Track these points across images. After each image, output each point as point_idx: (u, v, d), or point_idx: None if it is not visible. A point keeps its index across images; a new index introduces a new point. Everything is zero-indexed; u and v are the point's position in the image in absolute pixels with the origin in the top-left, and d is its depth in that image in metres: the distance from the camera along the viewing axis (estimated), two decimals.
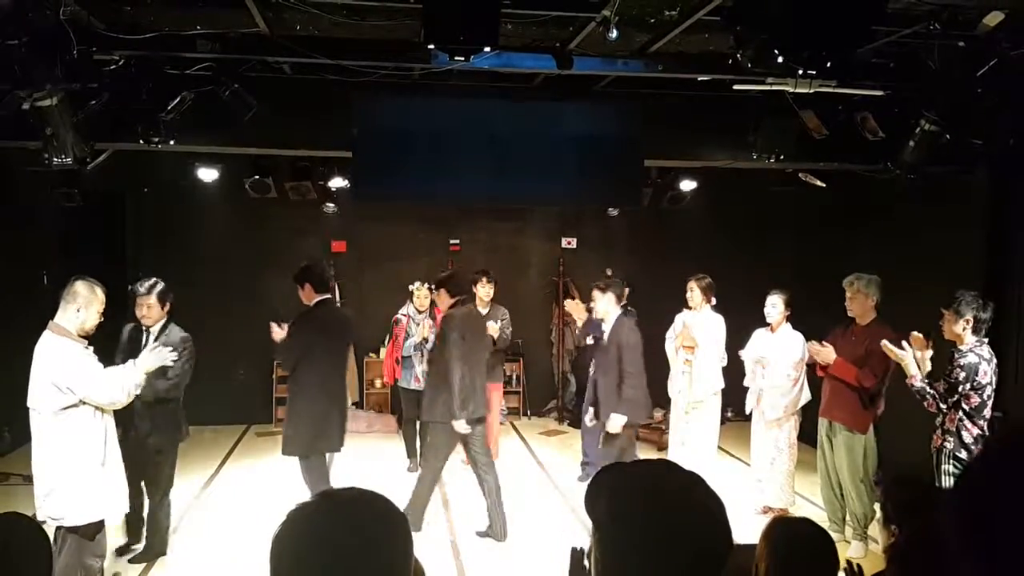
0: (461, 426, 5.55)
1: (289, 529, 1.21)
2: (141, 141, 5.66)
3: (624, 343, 5.99)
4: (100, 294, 4.13)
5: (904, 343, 4.83)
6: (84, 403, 4.00)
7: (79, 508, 4.01)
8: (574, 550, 1.64)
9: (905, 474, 3.62)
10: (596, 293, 6.27)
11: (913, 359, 4.78)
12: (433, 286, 6.28)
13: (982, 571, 0.87)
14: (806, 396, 6.16)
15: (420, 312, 7.58)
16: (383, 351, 8.46)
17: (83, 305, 4.04)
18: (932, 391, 4.72)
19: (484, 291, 7.50)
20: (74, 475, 4.00)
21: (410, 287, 7.67)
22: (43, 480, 4.00)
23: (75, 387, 3.94)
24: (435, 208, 9.14)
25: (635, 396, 5.89)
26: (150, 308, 5.12)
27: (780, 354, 6.15)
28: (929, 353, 4.82)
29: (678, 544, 1.23)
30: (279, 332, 5.64)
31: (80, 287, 4.06)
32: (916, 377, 4.75)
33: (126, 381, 4.17)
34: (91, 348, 4.15)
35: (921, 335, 4.84)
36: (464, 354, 5.58)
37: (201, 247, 8.91)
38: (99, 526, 4.13)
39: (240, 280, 8.78)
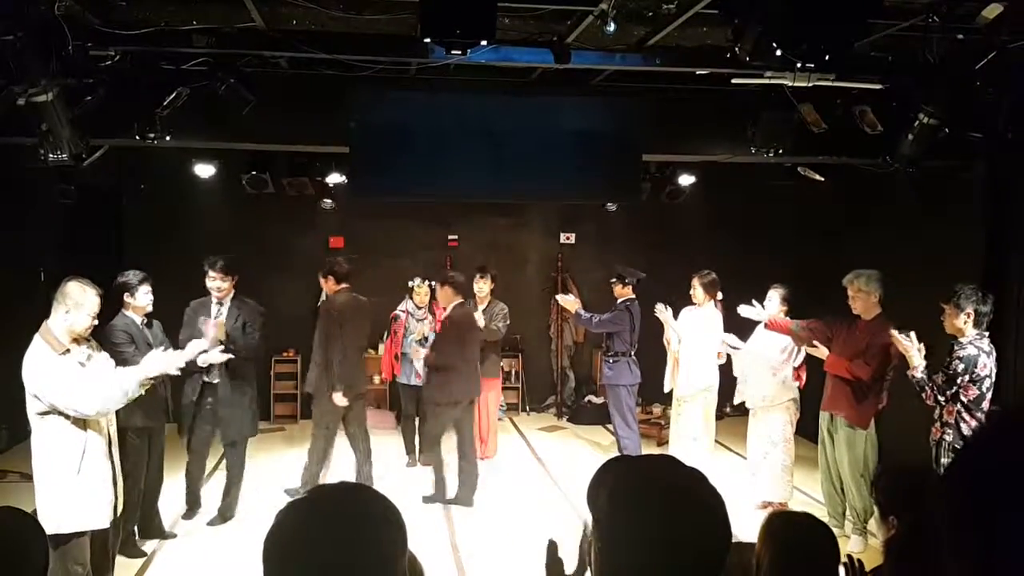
0: (339, 399, 6.12)
1: (282, 527, 1.21)
2: (137, 137, 5.65)
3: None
4: (92, 296, 3.93)
5: (912, 334, 4.86)
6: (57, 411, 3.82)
7: (51, 517, 3.81)
8: (550, 542, 1.67)
9: (895, 465, 3.60)
10: (436, 285, 6.73)
11: (917, 351, 4.80)
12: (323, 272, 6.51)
13: (978, 558, 0.85)
14: (789, 390, 6.16)
15: (419, 308, 7.56)
16: (381, 347, 8.44)
17: (72, 307, 3.85)
18: (930, 383, 4.74)
19: (481, 287, 7.45)
20: (47, 482, 3.86)
21: (409, 283, 7.65)
22: (35, 481, 3.94)
23: (41, 394, 3.77)
24: (433, 204, 9.11)
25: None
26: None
27: (766, 347, 6.16)
28: (922, 352, 4.84)
29: (678, 540, 1.22)
30: (217, 326, 5.39)
31: (71, 288, 3.88)
32: (919, 368, 4.79)
33: (112, 392, 3.91)
34: (87, 352, 3.99)
35: (913, 335, 4.86)
36: (346, 336, 6.15)
37: (198, 243, 8.83)
38: (72, 537, 3.91)
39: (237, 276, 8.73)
